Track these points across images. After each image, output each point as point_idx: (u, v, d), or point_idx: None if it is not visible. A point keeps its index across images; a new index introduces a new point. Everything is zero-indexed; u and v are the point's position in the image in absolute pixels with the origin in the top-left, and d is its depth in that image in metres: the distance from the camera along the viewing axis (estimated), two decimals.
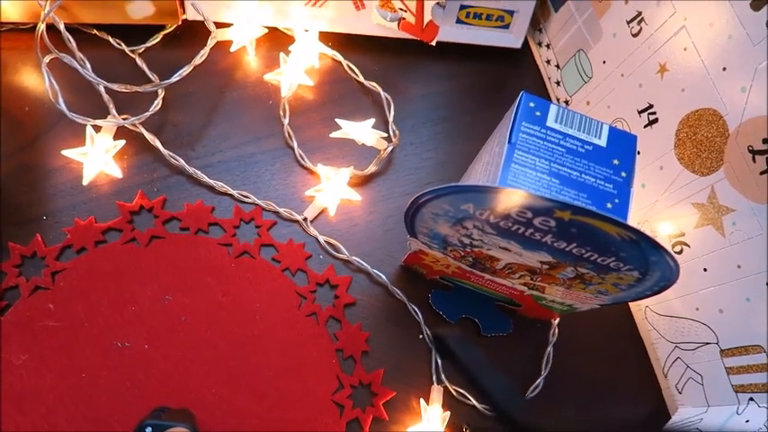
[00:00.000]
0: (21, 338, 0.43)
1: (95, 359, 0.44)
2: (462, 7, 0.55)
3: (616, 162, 0.37)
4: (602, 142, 0.37)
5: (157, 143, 0.50)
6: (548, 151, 0.36)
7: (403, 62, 0.58)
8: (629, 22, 0.49)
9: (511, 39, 0.59)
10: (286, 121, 0.53)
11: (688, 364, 0.48)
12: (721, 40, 0.40)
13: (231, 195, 0.50)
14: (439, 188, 0.31)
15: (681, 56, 0.44)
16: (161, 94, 0.52)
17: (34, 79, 0.52)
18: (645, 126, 0.48)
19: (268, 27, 0.56)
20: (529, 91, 0.38)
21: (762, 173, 0.38)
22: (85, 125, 0.49)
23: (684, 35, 0.43)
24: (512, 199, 0.29)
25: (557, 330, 0.50)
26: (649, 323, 0.52)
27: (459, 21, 0.56)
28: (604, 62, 0.52)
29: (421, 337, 0.49)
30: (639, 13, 0.47)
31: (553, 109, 0.37)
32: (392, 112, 0.55)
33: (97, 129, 0.49)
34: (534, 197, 0.28)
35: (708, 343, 0.45)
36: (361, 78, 0.56)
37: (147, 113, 0.50)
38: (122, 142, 0.50)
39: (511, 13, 0.57)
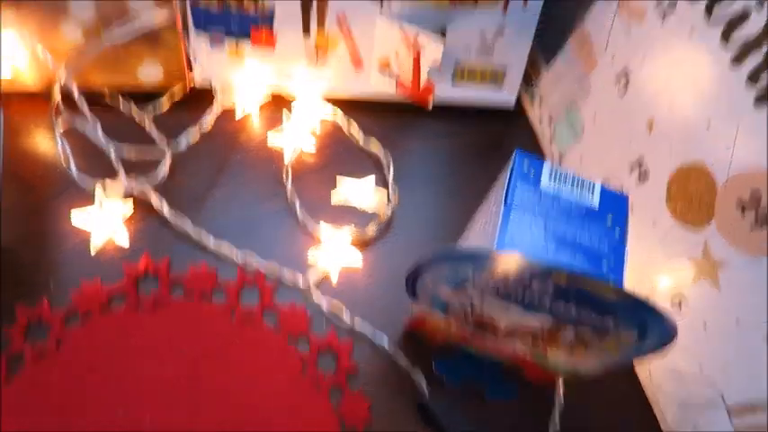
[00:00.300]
0: (23, 405, 0.43)
1: (96, 427, 0.43)
2: (457, 64, 0.58)
3: (609, 221, 0.38)
4: (595, 202, 0.38)
5: (164, 205, 0.51)
6: (543, 211, 0.37)
7: (401, 122, 0.60)
8: (616, 79, 0.51)
9: (504, 96, 0.61)
10: (289, 183, 0.54)
11: (696, 424, 0.47)
12: (704, 97, 0.42)
13: (234, 258, 0.51)
14: (438, 254, 0.32)
15: (667, 112, 0.45)
16: (168, 157, 0.53)
17: (46, 143, 0.54)
18: (636, 181, 0.49)
19: (272, 91, 0.58)
20: (523, 147, 0.39)
21: (752, 226, 0.39)
22: (94, 187, 0.50)
23: (669, 92, 0.45)
24: (509, 263, 0.30)
25: (562, 394, 0.49)
26: (654, 383, 0.51)
27: (454, 80, 0.59)
28: (595, 118, 0.54)
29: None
30: (626, 69, 0.49)
31: (546, 168, 0.39)
32: (392, 172, 0.56)
33: (106, 191, 0.51)
34: (531, 262, 0.29)
35: (714, 401, 0.45)
36: (361, 138, 0.58)
37: (155, 176, 0.52)
38: (130, 204, 0.51)
39: (503, 69, 0.59)
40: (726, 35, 0.39)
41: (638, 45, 0.47)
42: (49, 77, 0.52)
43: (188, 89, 0.56)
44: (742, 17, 0.38)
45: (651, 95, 0.47)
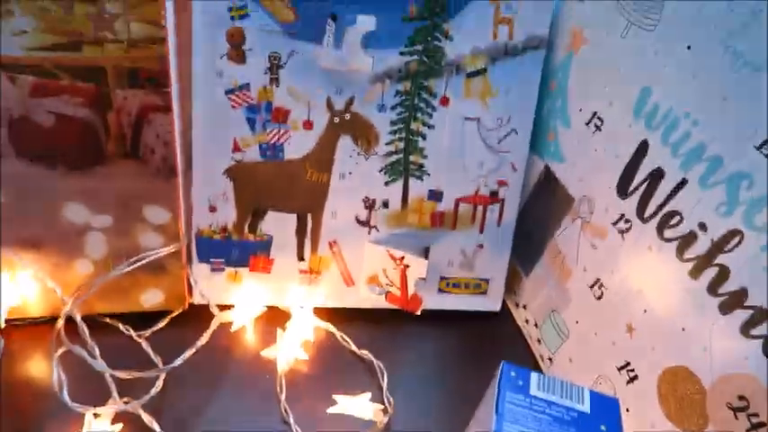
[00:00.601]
0: None
1: None
2: (442, 278, 0.62)
3: (603, 428, 0.38)
4: (586, 408, 0.39)
5: (155, 425, 0.50)
6: (535, 420, 0.37)
7: (392, 330, 0.62)
8: (590, 287, 0.54)
9: (489, 303, 0.64)
10: (282, 397, 0.54)
11: None
12: (674, 303, 0.45)
13: None
14: None
15: (643, 317, 0.48)
16: (163, 376, 0.54)
17: (43, 368, 0.54)
18: (627, 383, 0.50)
19: (267, 306, 0.61)
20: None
21: (748, 431, 0.39)
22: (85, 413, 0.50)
23: (642, 298, 0.48)
24: None
25: None
26: None
27: (440, 290, 0.62)
28: (577, 322, 0.56)
29: None
30: (598, 279, 0.53)
31: (534, 377, 0.40)
32: (385, 380, 0.57)
33: (96, 416, 0.50)
34: None
35: None
36: (354, 348, 0.59)
37: (147, 396, 0.51)
38: (119, 426, 0.50)
39: (486, 280, 0.63)
40: (680, 252, 0.44)
41: (605, 258, 0.52)
42: (55, 306, 0.55)
43: (186, 307, 0.59)
44: (690, 238, 0.43)
45: (625, 302, 0.50)
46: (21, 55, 0.45)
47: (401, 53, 0.52)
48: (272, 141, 0.54)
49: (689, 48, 0.42)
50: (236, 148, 0.54)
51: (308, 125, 0.54)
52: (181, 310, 0.59)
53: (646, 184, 0.46)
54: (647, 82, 0.46)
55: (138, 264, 0.54)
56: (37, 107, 0.48)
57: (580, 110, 0.54)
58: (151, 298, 0.58)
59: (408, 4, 0.51)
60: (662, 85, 0.45)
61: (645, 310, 0.48)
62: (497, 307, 0.64)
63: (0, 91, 0.46)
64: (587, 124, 0.53)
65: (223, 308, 0.59)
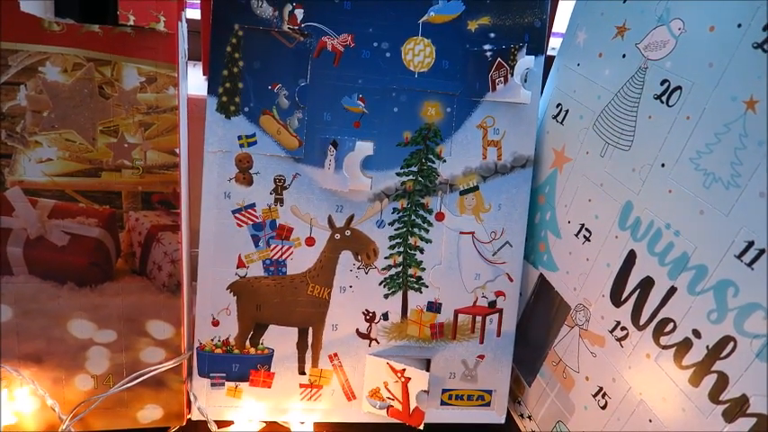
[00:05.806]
0: None
1: None
2: (444, 391, 0.61)
3: None
4: None
5: None
6: None
7: None
8: (594, 396, 0.54)
9: (494, 416, 0.63)
10: None
11: None
12: (678, 410, 0.44)
13: None
14: None
15: (648, 426, 0.47)
16: None
17: None
18: None
19: (266, 422, 0.60)
20: None
21: None
22: None
23: (645, 408, 0.48)
24: None
25: None
26: None
27: (443, 402, 0.62)
28: None
29: None
30: (601, 388, 0.53)
31: None
32: None
33: None
34: None
35: None
36: None
37: None
38: None
39: (489, 392, 0.62)
40: (678, 359, 0.44)
41: (605, 366, 0.52)
42: (52, 423, 0.54)
43: (184, 423, 0.58)
44: (686, 345, 0.43)
45: (630, 412, 0.49)
46: (44, 180, 0.49)
47: (397, 174, 0.56)
48: (276, 257, 0.56)
49: (663, 165, 0.46)
50: (241, 265, 0.56)
51: (311, 241, 0.56)
52: (178, 427, 0.58)
53: (637, 292, 0.48)
54: (628, 197, 0.49)
55: (140, 379, 0.54)
56: (54, 228, 0.50)
57: (569, 222, 0.56)
58: (149, 414, 0.57)
59: (403, 132, 0.55)
60: (642, 200, 0.48)
61: (650, 420, 0.47)
62: (502, 419, 0.63)
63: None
64: (576, 235, 0.55)
65: (221, 424, 0.58)
